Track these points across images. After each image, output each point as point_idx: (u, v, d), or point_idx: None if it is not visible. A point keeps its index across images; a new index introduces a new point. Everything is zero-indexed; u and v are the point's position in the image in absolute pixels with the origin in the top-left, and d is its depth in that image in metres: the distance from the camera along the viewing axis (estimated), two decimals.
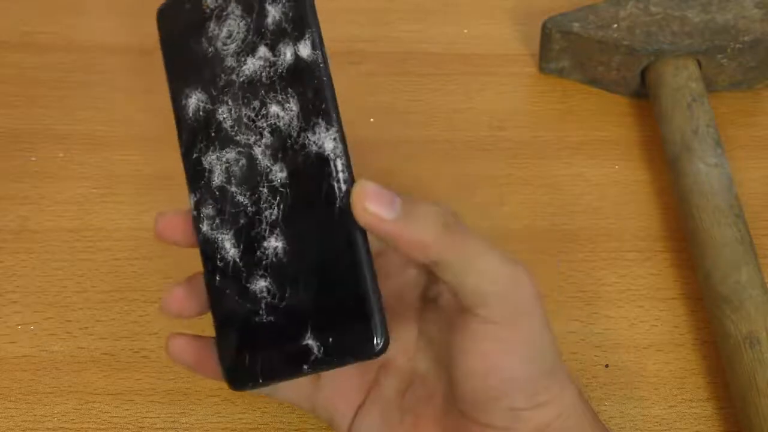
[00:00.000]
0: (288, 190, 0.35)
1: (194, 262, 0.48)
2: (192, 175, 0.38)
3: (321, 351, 0.33)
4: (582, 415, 0.35)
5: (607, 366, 0.45)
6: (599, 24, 0.53)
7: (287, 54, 0.35)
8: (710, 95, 0.52)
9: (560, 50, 0.54)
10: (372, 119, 0.54)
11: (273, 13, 0.36)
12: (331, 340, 0.33)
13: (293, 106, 0.35)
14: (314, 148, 0.34)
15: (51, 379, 0.44)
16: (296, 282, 0.34)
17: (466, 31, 0.59)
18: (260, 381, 0.35)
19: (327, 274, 0.34)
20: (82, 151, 0.52)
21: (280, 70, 0.35)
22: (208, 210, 0.37)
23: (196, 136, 0.38)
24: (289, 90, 0.35)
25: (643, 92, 0.55)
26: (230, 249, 0.36)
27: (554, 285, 0.48)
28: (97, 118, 0.54)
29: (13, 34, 0.57)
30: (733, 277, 0.44)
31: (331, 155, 0.34)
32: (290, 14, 0.35)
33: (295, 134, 0.35)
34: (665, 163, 0.51)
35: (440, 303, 0.37)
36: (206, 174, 0.37)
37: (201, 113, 0.38)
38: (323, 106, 0.34)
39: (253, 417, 0.43)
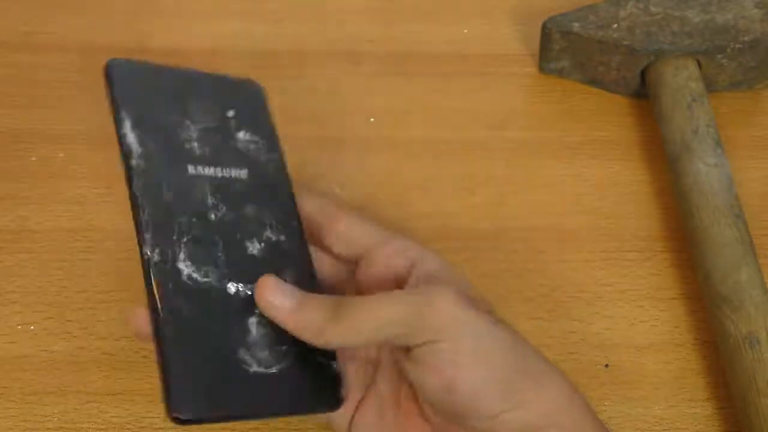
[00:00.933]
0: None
1: None
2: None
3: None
4: (574, 415, 0.35)
5: (607, 366, 0.45)
6: (599, 24, 0.53)
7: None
8: (710, 95, 0.52)
9: (560, 50, 0.54)
10: (372, 119, 0.54)
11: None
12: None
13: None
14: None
15: (51, 379, 0.44)
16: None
17: (466, 31, 0.59)
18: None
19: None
20: (82, 151, 0.52)
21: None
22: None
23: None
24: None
25: (643, 92, 0.55)
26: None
27: (554, 285, 0.48)
28: (97, 118, 0.54)
29: (13, 34, 0.57)
30: (733, 277, 0.44)
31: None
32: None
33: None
34: (665, 163, 0.51)
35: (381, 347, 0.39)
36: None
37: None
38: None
39: None
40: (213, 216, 0.38)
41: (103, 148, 0.53)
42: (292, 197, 0.40)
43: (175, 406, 0.34)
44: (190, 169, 0.38)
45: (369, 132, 0.54)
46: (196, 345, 0.35)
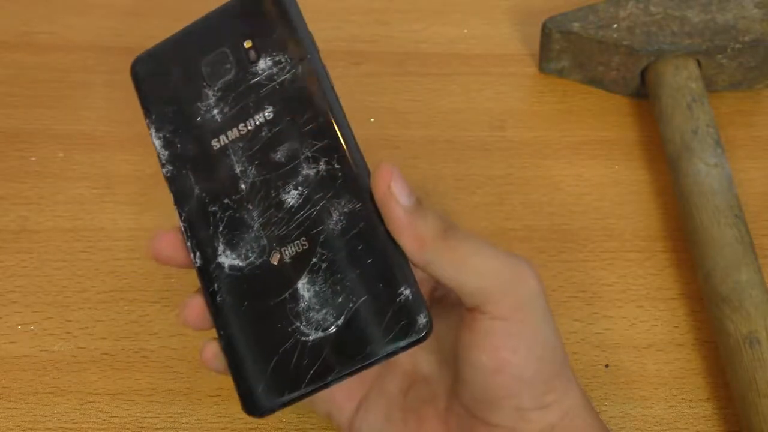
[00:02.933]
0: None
1: None
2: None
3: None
4: (586, 417, 0.35)
5: (607, 366, 0.45)
6: (599, 24, 0.53)
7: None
8: (710, 95, 0.52)
9: (560, 50, 0.54)
10: (372, 119, 0.54)
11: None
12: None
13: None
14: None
15: (51, 379, 0.44)
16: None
17: (466, 31, 0.59)
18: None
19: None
20: (82, 151, 0.52)
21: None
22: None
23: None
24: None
25: (643, 92, 0.55)
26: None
27: (554, 285, 0.48)
28: (97, 118, 0.54)
29: (13, 34, 0.57)
30: (733, 277, 0.44)
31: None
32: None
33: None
34: (665, 163, 0.51)
35: (446, 303, 0.37)
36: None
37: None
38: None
39: (253, 417, 0.43)
40: (243, 185, 0.36)
41: (103, 148, 0.53)
42: (332, 104, 0.36)
43: (247, 403, 0.34)
44: (215, 144, 0.36)
45: (369, 132, 0.54)
46: (254, 337, 0.34)
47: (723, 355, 0.44)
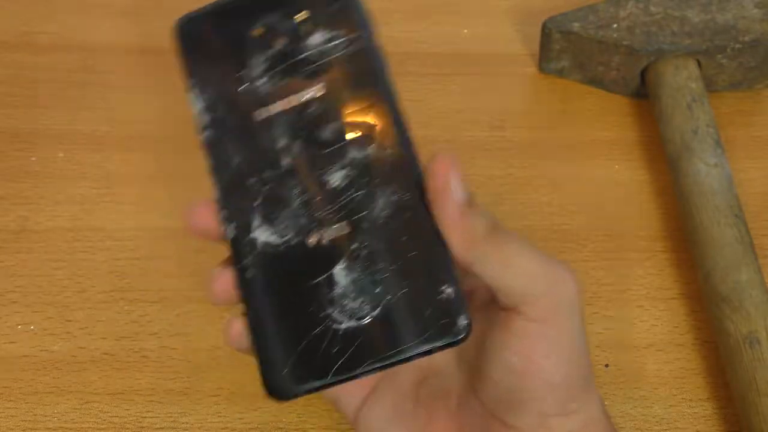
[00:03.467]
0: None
1: (197, 259, 0.48)
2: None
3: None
4: (606, 429, 0.35)
5: (607, 366, 0.45)
6: (599, 24, 0.53)
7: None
8: (710, 95, 0.52)
9: (560, 50, 0.54)
10: None
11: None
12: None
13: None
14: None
15: (51, 379, 0.44)
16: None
17: (466, 31, 0.59)
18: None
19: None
20: (82, 151, 0.52)
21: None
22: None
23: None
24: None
25: (643, 92, 0.55)
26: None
27: None
28: (97, 118, 0.54)
29: (13, 34, 0.57)
30: (733, 277, 0.44)
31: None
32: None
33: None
34: (665, 163, 0.51)
35: (472, 300, 0.36)
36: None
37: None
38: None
39: (253, 417, 0.44)
40: (286, 160, 0.34)
41: (103, 148, 0.53)
42: (386, 87, 0.34)
43: (270, 386, 0.32)
44: (259, 115, 0.35)
45: None
46: (283, 318, 0.33)
47: (723, 355, 0.44)
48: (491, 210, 0.50)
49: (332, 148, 0.34)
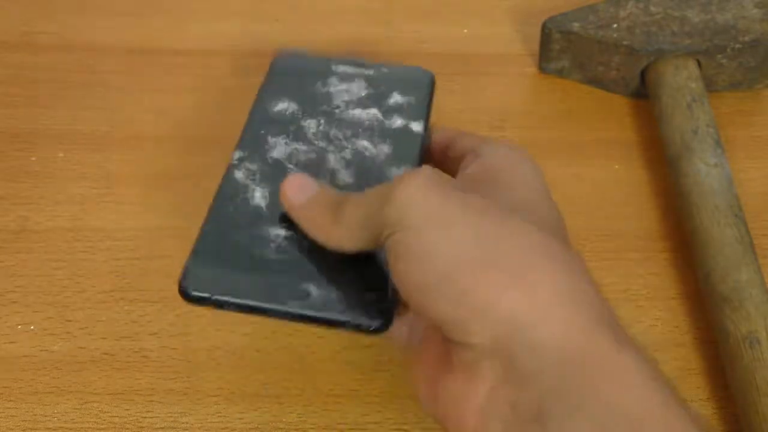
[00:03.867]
0: (348, 188, 0.38)
1: None
2: (249, 139, 0.42)
3: (318, 298, 0.34)
4: (579, 306, 0.29)
5: None
6: (599, 24, 0.53)
7: (398, 121, 0.43)
8: (710, 95, 0.52)
9: (560, 50, 0.54)
10: None
11: (397, 97, 0.44)
12: (333, 295, 0.34)
13: (385, 148, 0.41)
14: (389, 179, 0.39)
15: (51, 379, 0.44)
16: (319, 249, 0.35)
17: (466, 31, 0.59)
18: (223, 297, 0.34)
19: (357, 254, 0.35)
20: (82, 151, 0.52)
21: (385, 126, 0.43)
22: (251, 165, 0.40)
23: (271, 124, 0.42)
24: (387, 139, 0.42)
25: (643, 92, 0.55)
26: (258, 198, 0.38)
27: None
28: (97, 118, 0.54)
29: (13, 34, 0.57)
30: (733, 276, 0.44)
31: None
32: (413, 105, 0.44)
33: (378, 163, 0.41)
34: (665, 163, 0.51)
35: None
36: (266, 146, 0.41)
37: (286, 114, 0.43)
38: (416, 159, 0.41)
39: (253, 417, 0.44)
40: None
41: (103, 148, 0.53)
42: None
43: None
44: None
45: None
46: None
47: (723, 355, 0.44)
48: None
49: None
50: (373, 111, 0.43)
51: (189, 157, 0.52)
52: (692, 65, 0.52)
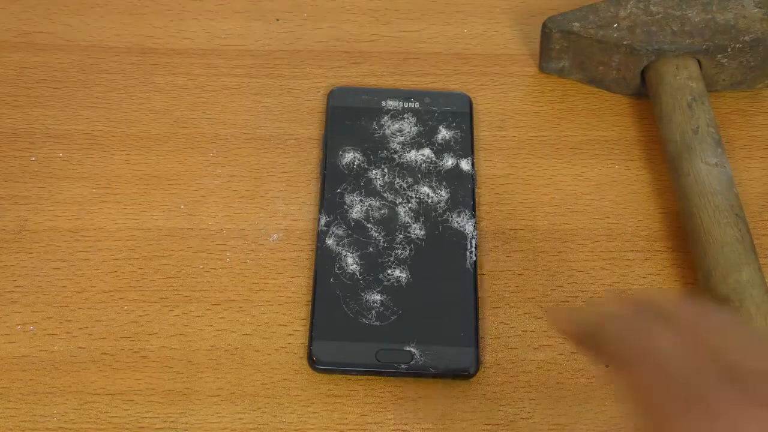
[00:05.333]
0: (422, 242, 0.47)
1: (195, 263, 0.48)
2: (329, 199, 0.48)
3: (420, 357, 0.43)
4: None
5: (607, 366, 0.45)
6: (599, 24, 0.53)
7: (449, 161, 0.50)
8: (711, 95, 0.52)
9: (560, 50, 0.54)
10: None
11: (444, 132, 0.51)
12: (432, 353, 0.44)
13: (443, 193, 0.49)
14: (456, 225, 0.48)
15: (51, 379, 0.44)
16: (412, 305, 0.45)
17: (466, 31, 0.59)
18: (345, 367, 0.44)
19: (443, 306, 0.45)
20: (81, 151, 0.52)
21: (438, 168, 0.50)
22: (337, 231, 0.47)
23: (344, 180, 0.49)
24: (444, 183, 0.49)
25: (643, 92, 0.54)
26: (352, 264, 0.46)
27: (554, 285, 0.48)
28: (97, 118, 0.54)
29: (13, 34, 0.57)
30: (734, 276, 0.44)
31: (470, 235, 0.48)
32: (459, 139, 0.51)
33: (441, 211, 0.48)
34: (665, 163, 0.51)
35: None
36: (344, 206, 0.48)
37: (354, 166, 0.49)
38: (470, 202, 0.49)
39: (253, 417, 0.43)
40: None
41: (103, 148, 0.53)
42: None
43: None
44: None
45: None
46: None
47: None
48: (491, 210, 0.51)
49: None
50: (426, 152, 0.50)
51: (189, 157, 0.52)
52: (693, 65, 0.52)
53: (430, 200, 0.48)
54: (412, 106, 0.52)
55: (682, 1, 0.54)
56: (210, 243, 0.49)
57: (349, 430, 0.43)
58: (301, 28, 0.58)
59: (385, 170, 0.49)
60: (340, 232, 0.47)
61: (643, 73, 0.53)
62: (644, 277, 0.48)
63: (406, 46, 0.58)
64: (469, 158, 0.50)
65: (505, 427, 0.43)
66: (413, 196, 0.48)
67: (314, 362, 0.43)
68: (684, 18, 0.53)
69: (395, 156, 0.49)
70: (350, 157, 0.49)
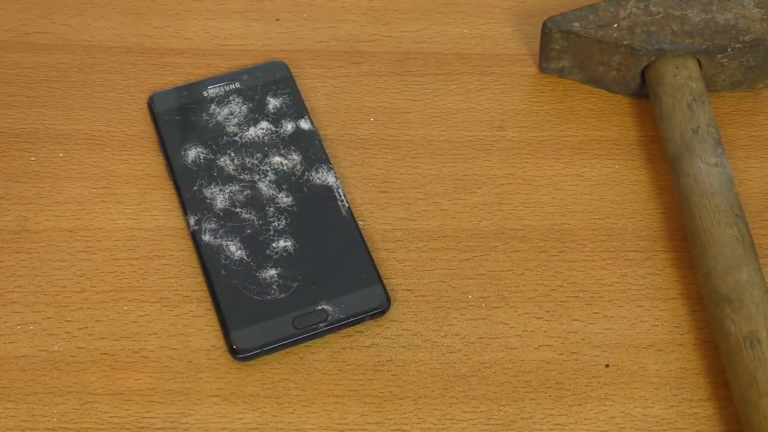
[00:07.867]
0: (293, 208, 0.48)
1: (195, 263, 0.48)
2: (190, 199, 0.48)
3: (334, 311, 0.45)
4: None
5: (607, 366, 0.45)
6: (599, 24, 0.53)
7: (288, 126, 0.51)
8: (711, 95, 0.52)
9: (560, 50, 0.54)
10: (372, 119, 0.54)
11: (273, 102, 0.52)
12: (343, 303, 0.45)
13: (295, 156, 0.50)
14: (319, 181, 0.49)
15: (51, 379, 0.44)
16: (307, 267, 0.46)
17: (466, 31, 0.59)
18: (267, 346, 0.44)
19: (336, 259, 0.47)
20: (81, 151, 0.52)
21: (281, 135, 0.50)
22: (210, 225, 0.47)
23: (197, 176, 0.49)
24: (291, 147, 0.50)
25: (643, 92, 0.55)
26: (236, 251, 0.47)
27: (554, 285, 0.48)
28: (96, 118, 0.54)
29: (13, 34, 0.57)
30: (734, 276, 0.44)
31: (335, 186, 0.49)
32: (290, 103, 0.52)
33: (299, 174, 0.49)
34: (665, 163, 0.51)
35: None
36: (207, 201, 0.48)
37: (201, 161, 0.49)
38: (323, 156, 0.50)
39: (253, 417, 0.43)
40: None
41: (102, 148, 0.53)
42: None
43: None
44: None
45: (369, 132, 0.54)
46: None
47: (723, 354, 0.44)
48: (491, 210, 0.51)
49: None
50: (264, 124, 0.50)
51: None
52: (693, 65, 0.52)
53: (285, 167, 0.49)
54: (234, 86, 0.52)
55: (682, 1, 0.54)
56: None
57: (349, 430, 0.43)
58: (301, 28, 0.58)
59: (232, 154, 0.49)
60: (213, 225, 0.47)
61: (643, 73, 0.53)
62: (644, 277, 0.48)
63: (406, 46, 0.58)
64: (306, 117, 0.51)
65: (505, 427, 0.43)
66: (268, 168, 0.49)
67: (235, 351, 0.44)
68: (684, 18, 0.53)
69: (236, 138, 0.50)
70: (193, 153, 0.49)
